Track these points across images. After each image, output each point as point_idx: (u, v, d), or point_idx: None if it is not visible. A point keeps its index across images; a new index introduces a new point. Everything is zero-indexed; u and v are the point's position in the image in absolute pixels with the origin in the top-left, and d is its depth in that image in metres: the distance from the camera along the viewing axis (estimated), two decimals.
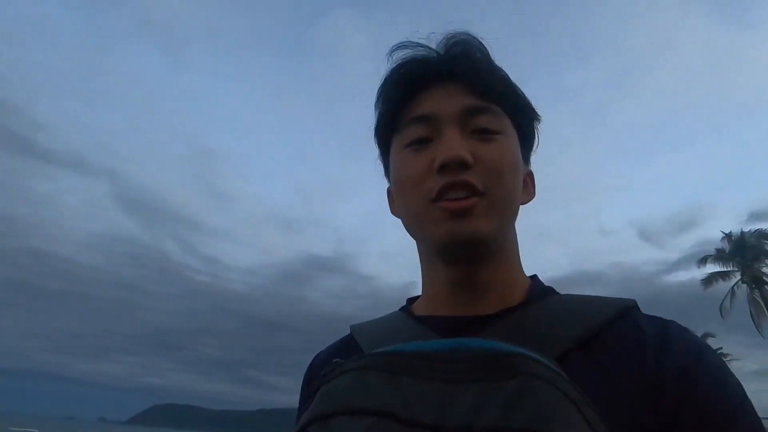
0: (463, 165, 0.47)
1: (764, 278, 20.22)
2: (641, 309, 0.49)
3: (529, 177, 0.60)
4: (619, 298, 0.50)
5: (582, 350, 0.44)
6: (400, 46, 0.54)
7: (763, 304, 19.80)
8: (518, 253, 0.57)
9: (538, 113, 0.57)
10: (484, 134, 0.50)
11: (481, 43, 0.54)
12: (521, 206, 0.56)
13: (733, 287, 21.32)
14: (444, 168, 0.47)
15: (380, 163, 0.61)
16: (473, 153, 0.48)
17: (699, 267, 22.69)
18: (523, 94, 0.56)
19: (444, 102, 0.51)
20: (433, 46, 0.54)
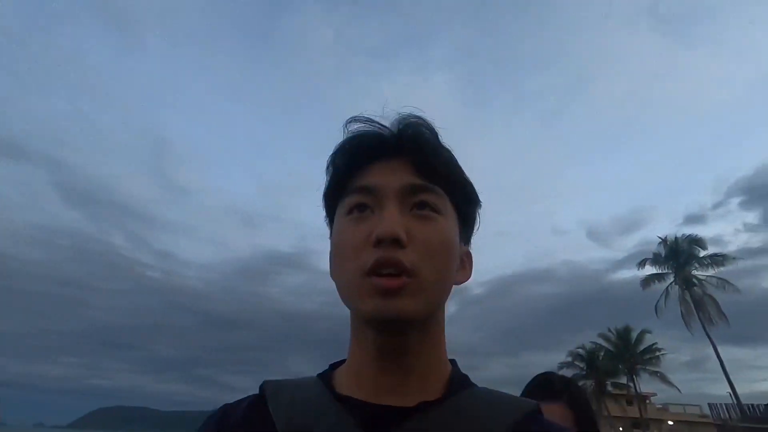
0: (397, 242, 0.48)
1: (693, 280, 22.24)
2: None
3: (467, 257, 0.61)
4: (524, 400, 0.54)
5: None
6: (354, 120, 0.56)
7: (691, 303, 21.80)
8: (444, 334, 0.57)
9: (480, 199, 0.60)
10: (423, 210, 0.52)
11: (431, 125, 0.56)
12: (456, 286, 0.58)
13: (667, 288, 23.33)
14: (379, 242, 0.49)
15: (327, 225, 0.62)
16: (409, 231, 0.50)
17: (639, 269, 24.63)
18: (467, 178, 0.58)
19: (388, 176, 0.53)
20: (387, 123, 0.56)
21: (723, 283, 21.45)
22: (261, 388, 0.57)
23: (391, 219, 0.50)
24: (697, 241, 23.04)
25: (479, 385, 0.57)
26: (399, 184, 0.53)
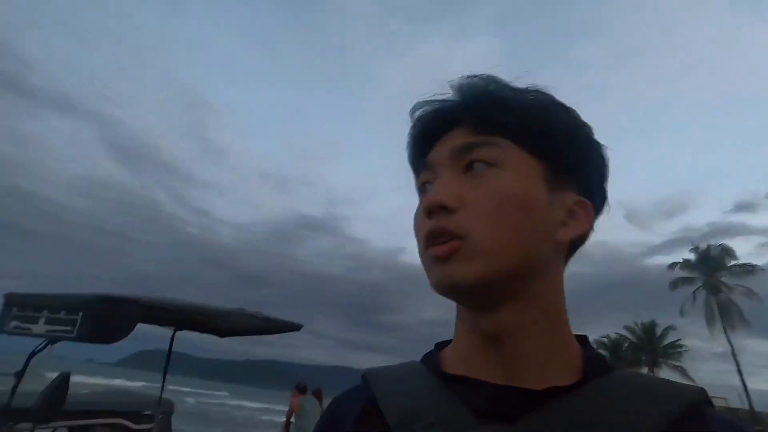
0: (444, 209, 0.45)
1: (721, 287, 23.77)
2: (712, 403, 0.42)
3: (581, 207, 0.48)
4: (687, 387, 0.42)
5: None
6: (416, 107, 0.52)
7: (716, 308, 23.48)
8: (560, 306, 0.47)
9: (590, 138, 0.49)
10: (475, 169, 0.47)
11: (496, 77, 0.50)
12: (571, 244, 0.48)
13: (694, 292, 24.93)
14: (430, 213, 0.45)
15: None
16: (462, 195, 0.45)
17: (668, 271, 26.18)
18: (552, 118, 0.48)
19: (444, 145, 0.49)
20: (452, 94, 0.51)
21: (749, 292, 22.93)
22: (363, 378, 0.53)
23: (437, 187, 0.46)
24: (728, 251, 24.35)
25: None
26: (448, 149, 0.48)
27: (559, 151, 0.48)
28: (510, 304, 0.45)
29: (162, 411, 4.42)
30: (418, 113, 0.52)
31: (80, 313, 2.77)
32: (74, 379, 3.44)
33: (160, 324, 4.13)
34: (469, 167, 0.47)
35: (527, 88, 0.50)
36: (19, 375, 3.22)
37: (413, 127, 0.53)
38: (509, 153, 0.47)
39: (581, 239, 0.49)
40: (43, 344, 3.19)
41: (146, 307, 3.07)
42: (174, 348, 4.51)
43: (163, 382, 4.51)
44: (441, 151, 0.49)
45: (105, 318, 2.78)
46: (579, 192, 0.49)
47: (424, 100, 0.52)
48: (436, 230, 0.44)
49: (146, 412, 4.35)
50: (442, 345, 0.53)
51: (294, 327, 4.56)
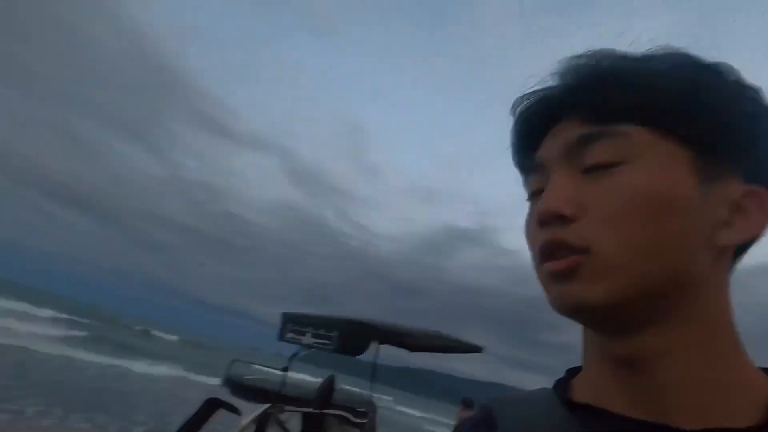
0: (560, 218, 0.36)
1: None
2: None
3: (750, 197, 0.36)
4: None
5: None
6: (520, 100, 0.43)
7: None
8: (726, 328, 0.37)
9: (754, 103, 0.37)
10: (597, 170, 0.37)
11: (608, 51, 0.39)
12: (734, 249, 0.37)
13: None
14: (543, 224, 0.37)
15: None
16: (582, 199, 0.36)
17: None
18: (702, 89, 0.36)
19: (554, 141, 0.40)
20: (560, 79, 0.41)
21: None
22: (488, 404, 0.48)
23: (550, 193, 0.37)
24: None
25: None
26: (562, 144, 0.39)
27: (711, 130, 0.36)
28: (652, 327, 0.36)
29: (372, 409, 5.34)
30: (520, 108, 0.44)
31: (336, 331, 3.76)
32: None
33: (373, 339, 5.07)
34: (589, 166, 0.37)
35: (656, 54, 0.38)
36: (285, 370, 4.44)
37: (515, 124, 0.44)
38: (639, 141, 0.36)
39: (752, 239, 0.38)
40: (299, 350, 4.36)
41: (374, 327, 3.96)
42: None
43: (371, 385, 5.45)
44: (551, 148, 0.40)
45: (353, 336, 3.72)
46: (748, 179, 0.37)
47: (526, 92, 0.43)
48: (553, 243, 0.37)
49: (359, 409, 5.32)
50: (574, 371, 0.46)
51: (476, 349, 5.00)
